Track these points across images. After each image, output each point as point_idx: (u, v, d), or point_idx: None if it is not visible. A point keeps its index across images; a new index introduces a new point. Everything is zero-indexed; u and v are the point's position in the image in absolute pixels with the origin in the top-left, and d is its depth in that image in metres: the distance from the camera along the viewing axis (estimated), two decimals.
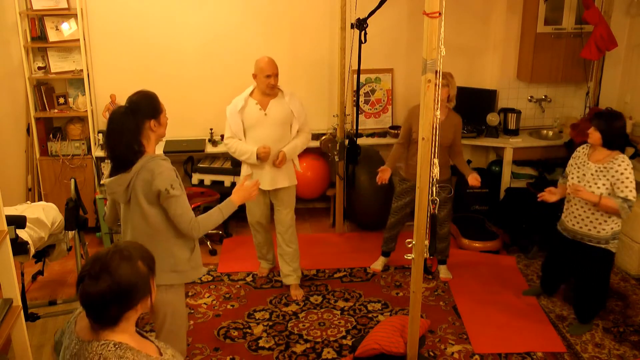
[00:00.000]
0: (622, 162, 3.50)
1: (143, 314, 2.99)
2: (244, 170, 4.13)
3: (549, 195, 3.79)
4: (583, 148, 3.74)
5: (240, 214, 5.56)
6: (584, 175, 3.61)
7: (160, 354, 1.83)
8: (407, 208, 4.40)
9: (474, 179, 4.21)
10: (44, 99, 5.00)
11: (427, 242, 2.86)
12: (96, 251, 1.77)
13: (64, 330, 1.88)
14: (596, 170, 3.56)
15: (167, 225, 2.73)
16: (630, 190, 3.47)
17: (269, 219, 4.35)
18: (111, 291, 1.64)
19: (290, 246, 4.27)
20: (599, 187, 3.54)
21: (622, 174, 3.48)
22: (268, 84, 3.93)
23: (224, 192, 5.12)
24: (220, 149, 5.17)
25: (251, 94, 4.05)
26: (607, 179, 3.52)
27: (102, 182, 2.74)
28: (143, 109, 2.66)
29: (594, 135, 3.56)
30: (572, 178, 3.69)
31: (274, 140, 4.00)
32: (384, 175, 4.29)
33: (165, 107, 2.78)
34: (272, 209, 4.35)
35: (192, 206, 4.80)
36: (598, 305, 3.90)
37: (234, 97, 4.81)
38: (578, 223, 3.68)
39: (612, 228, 3.61)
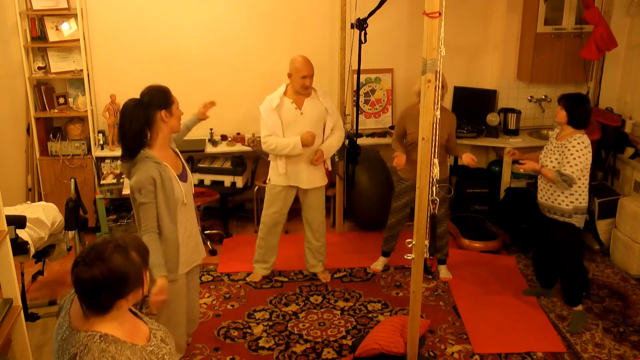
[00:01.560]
0: (577, 141, 3.68)
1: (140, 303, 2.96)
2: (280, 168, 4.10)
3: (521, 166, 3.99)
4: (555, 130, 3.96)
5: (240, 213, 5.60)
6: (547, 151, 3.86)
7: (150, 338, 1.85)
8: (406, 208, 4.40)
9: (468, 158, 4.18)
10: (44, 99, 5.00)
11: (427, 242, 2.86)
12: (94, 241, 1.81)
13: (67, 298, 1.91)
14: (555, 146, 3.79)
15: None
16: (571, 166, 3.65)
17: (284, 223, 4.39)
18: (103, 278, 1.67)
19: (320, 240, 4.42)
20: (551, 161, 3.77)
21: (569, 150, 3.68)
22: (303, 84, 3.96)
23: (224, 192, 5.14)
24: (220, 149, 5.18)
25: (285, 92, 4.05)
26: (559, 154, 3.73)
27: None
28: (153, 100, 2.74)
29: (560, 113, 3.78)
30: (540, 153, 3.97)
31: None
32: (400, 160, 4.15)
33: (177, 100, 2.84)
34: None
35: None
36: (580, 283, 3.95)
37: (234, 97, 4.81)
38: (544, 196, 3.88)
39: (571, 202, 3.76)
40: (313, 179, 4.16)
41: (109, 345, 1.70)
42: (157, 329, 1.92)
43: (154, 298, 2.69)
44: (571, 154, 3.66)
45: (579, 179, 3.69)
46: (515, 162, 4.16)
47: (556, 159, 3.75)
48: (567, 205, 3.76)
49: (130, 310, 1.87)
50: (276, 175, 4.16)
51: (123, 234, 1.83)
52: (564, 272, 3.99)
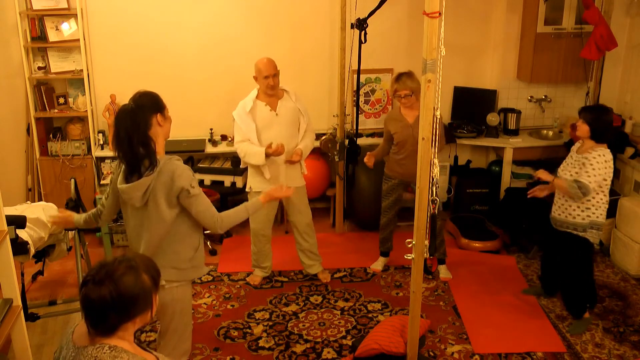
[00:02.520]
0: (597, 153, 3.58)
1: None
2: (266, 173, 4.07)
3: (539, 191, 3.89)
4: (576, 144, 3.84)
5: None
6: (567, 165, 3.76)
7: None
8: (396, 206, 4.43)
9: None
10: (44, 99, 5.00)
11: (427, 242, 2.86)
12: (103, 258, 1.78)
13: (62, 345, 1.88)
14: (575, 160, 3.70)
15: (177, 224, 2.74)
16: (589, 176, 3.54)
17: (271, 227, 4.37)
18: (112, 299, 1.64)
19: (309, 240, 4.41)
20: (571, 175, 3.68)
21: (590, 161, 3.58)
22: (267, 84, 3.95)
23: (224, 192, 5.14)
24: (220, 149, 5.18)
25: (257, 96, 4.06)
26: (579, 167, 3.63)
27: (118, 185, 2.73)
28: (147, 104, 2.67)
29: (583, 127, 3.64)
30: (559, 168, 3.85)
31: (285, 139, 4.02)
32: (369, 160, 4.36)
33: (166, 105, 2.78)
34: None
35: None
36: (584, 297, 3.90)
37: (234, 97, 4.77)
38: (559, 210, 3.79)
39: (588, 216, 3.67)
40: (289, 180, 4.14)
41: (120, 353, 1.68)
42: (163, 358, 1.89)
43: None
44: (590, 165, 3.56)
45: (597, 192, 3.62)
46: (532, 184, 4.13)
47: (576, 172, 3.64)
48: (582, 219, 3.67)
49: (136, 343, 1.84)
50: (256, 182, 4.14)
51: (135, 254, 1.79)
52: (568, 286, 3.91)
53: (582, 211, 3.67)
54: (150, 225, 2.71)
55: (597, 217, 3.68)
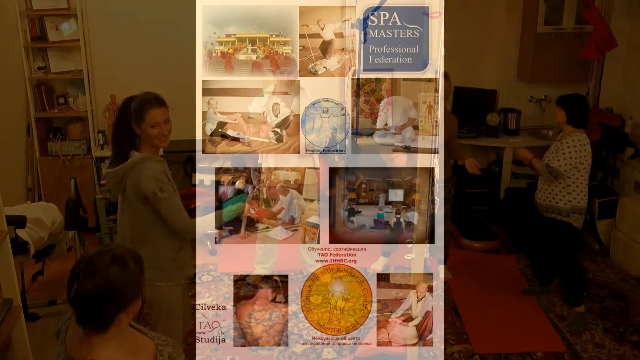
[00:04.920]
0: (571, 138, 3.72)
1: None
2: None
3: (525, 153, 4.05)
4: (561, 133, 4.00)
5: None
6: (550, 152, 3.87)
7: (156, 357, 1.81)
8: None
9: (472, 166, 4.24)
10: (44, 99, 4.99)
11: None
12: (85, 252, 1.78)
13: (64, 321, 1.87)
14: (554, 147, 3.82)
15: (156, 223, 2.72)
16: (559, 160, 3.69)
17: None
18: (107, 289, 1.64)
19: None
20: (548, 160, 3.79)
21: (562, 146, 3.72)
22: None
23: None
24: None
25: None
26: (555, 152, 3.77)
27: (103, 173, 2.77)
28: (131, 107, 2.66)
29: (559, 114, 3.80)
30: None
31: None
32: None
33: (156, 121, 2.68)
34: None
35: (192, 206, 4.80)
36: (580, 282, 3.94)
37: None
38: (542, 196, 3.87)
39: (569, 201, 3.77)
40: None
41: None
42: (164, 345, 1.86)
43: None
44: (562, 150, 3.71)
45: (569, 176, 3.72)
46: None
47: (554, 157, 3.78)
48: (564, 204, 3.77)
49: (133, 326, 1.83)
50: None
51: (115, 244, 1.80)
52: (562, 272, 3.99)
53: (564, 196, 3.76)
54: (129, 215, 2.73)
55: (578, 202, 3.77)
